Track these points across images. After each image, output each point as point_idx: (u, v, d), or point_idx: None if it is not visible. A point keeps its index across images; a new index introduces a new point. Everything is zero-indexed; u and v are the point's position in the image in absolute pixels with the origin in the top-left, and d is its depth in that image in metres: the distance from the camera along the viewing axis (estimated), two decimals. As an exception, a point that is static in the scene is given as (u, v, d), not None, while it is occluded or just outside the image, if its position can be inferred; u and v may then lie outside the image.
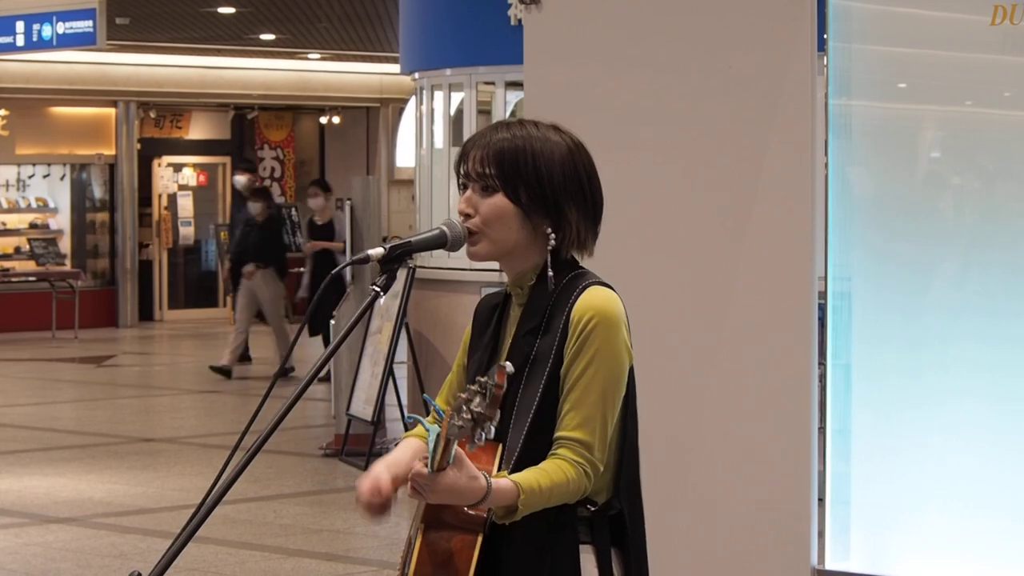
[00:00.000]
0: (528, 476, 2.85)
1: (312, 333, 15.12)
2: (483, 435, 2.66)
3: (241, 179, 17.12)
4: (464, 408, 2.65)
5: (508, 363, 2.67)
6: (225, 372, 15.50)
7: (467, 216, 3.02)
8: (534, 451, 2.90)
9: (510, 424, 2.94)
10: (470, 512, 2.87)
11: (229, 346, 15.86)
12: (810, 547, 4.58)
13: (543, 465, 2.88)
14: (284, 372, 15.19)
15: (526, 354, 2.97)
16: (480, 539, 2.87)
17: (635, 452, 3.03)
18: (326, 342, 14.98)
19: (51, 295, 20.89)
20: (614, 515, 2.99)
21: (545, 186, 2.99)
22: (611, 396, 2.94)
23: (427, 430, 2.79)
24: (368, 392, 10.82)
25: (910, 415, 4.55)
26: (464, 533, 2.87)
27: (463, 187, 3.05)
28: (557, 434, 2.92)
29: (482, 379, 2.65)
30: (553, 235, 3.00)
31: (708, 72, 4.75)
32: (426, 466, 2.75)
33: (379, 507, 3.04)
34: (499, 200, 2.99)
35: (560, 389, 2.93)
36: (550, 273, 3.00)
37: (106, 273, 22.65)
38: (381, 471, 3.05)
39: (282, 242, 16.38)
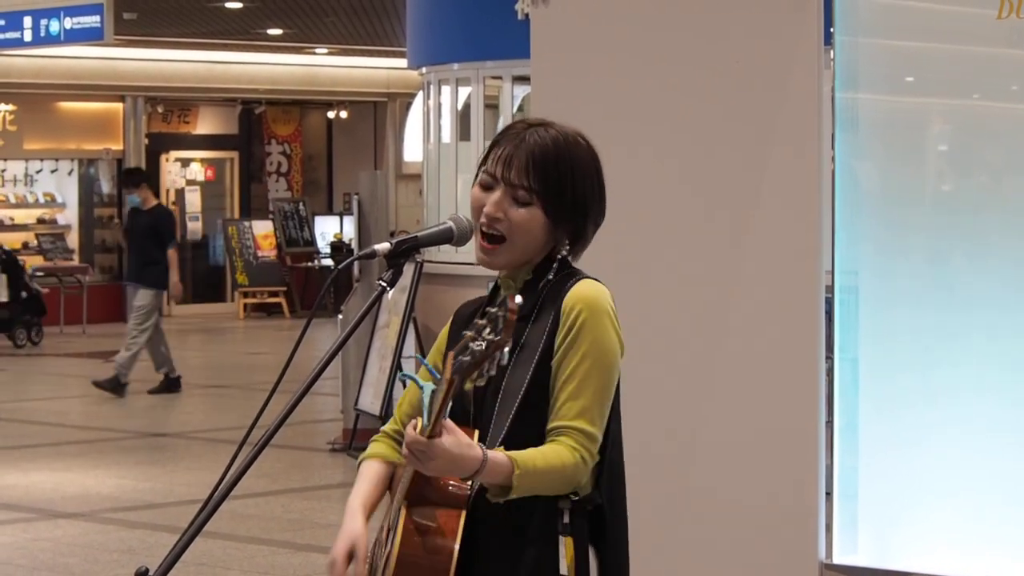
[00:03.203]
0: (524, 454, 2.79)
1: None
2: (494, 365, 2.55)
3: None
4: (472, 343, 2.56)
5: (519, 296, 2.58)
6: None
7: (494, 220, 2.94)
8: (518, 437, 2.84)
9: (495, 410, 2.90)
10: (453, 488, 2.84)
11: None
12: (818, 541, 4.58)
13: (541, 447, 2.83)
14: None
15: (515, 340, 2.87)
16: (464, 514, 2.83)
17: (619, 446, 2.99)
18: None
19: (59, 290, 20.91)
20: (594, 509, 2.92)
21: (579, 202, 2.95)
22: (608, 389, 2.91)
23: (420, 387, 2.73)
24: (376, 387, 10.83)
25: (918, 409, 4.54)
26: (448, 508, 2.84)
27: (487, 186, 2.96)
28: (555, 423, 2.86)
29: (491, 310, 2.55)
30: (568, 246, 2.98)
31: (715, 66, 4.75)
32: (415, 428, 2.69)
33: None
34: (535, 213, 2.92)
35: (552, 380, 2.89)
36: (549, 276, 2.96)
37: (114, 268, 22.68)
38: (346, 549, 2.94)
39: None
